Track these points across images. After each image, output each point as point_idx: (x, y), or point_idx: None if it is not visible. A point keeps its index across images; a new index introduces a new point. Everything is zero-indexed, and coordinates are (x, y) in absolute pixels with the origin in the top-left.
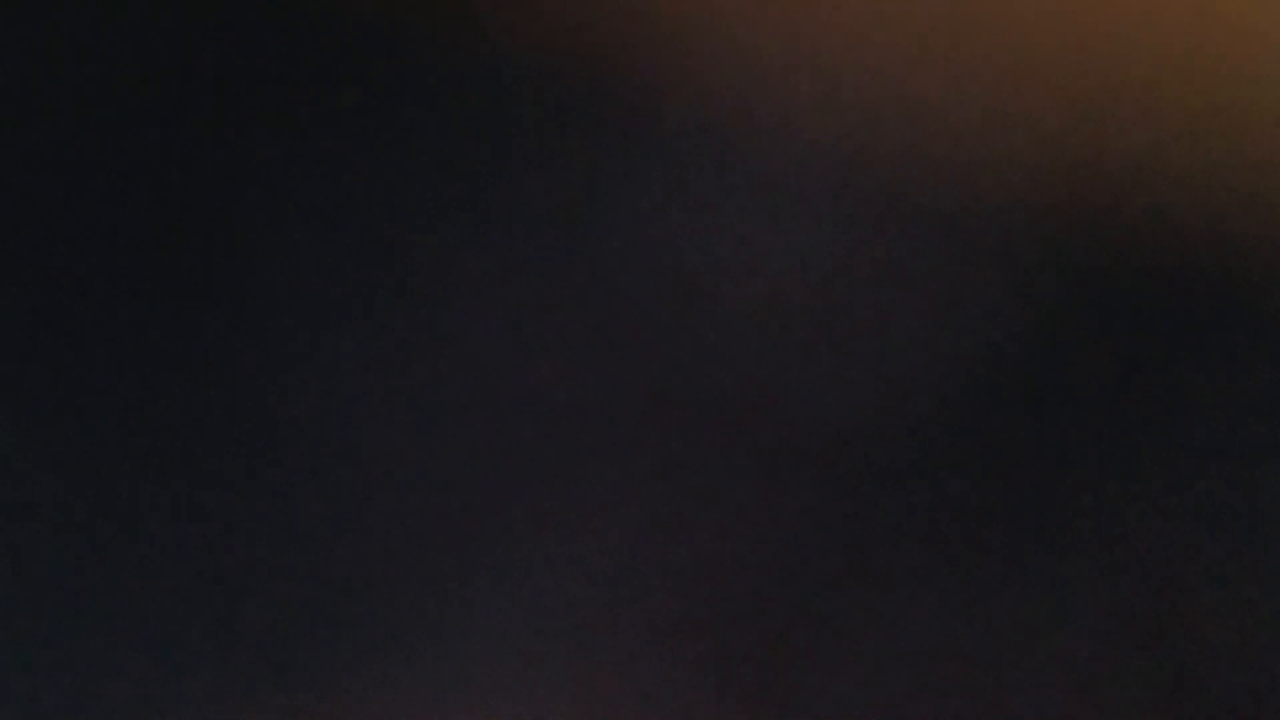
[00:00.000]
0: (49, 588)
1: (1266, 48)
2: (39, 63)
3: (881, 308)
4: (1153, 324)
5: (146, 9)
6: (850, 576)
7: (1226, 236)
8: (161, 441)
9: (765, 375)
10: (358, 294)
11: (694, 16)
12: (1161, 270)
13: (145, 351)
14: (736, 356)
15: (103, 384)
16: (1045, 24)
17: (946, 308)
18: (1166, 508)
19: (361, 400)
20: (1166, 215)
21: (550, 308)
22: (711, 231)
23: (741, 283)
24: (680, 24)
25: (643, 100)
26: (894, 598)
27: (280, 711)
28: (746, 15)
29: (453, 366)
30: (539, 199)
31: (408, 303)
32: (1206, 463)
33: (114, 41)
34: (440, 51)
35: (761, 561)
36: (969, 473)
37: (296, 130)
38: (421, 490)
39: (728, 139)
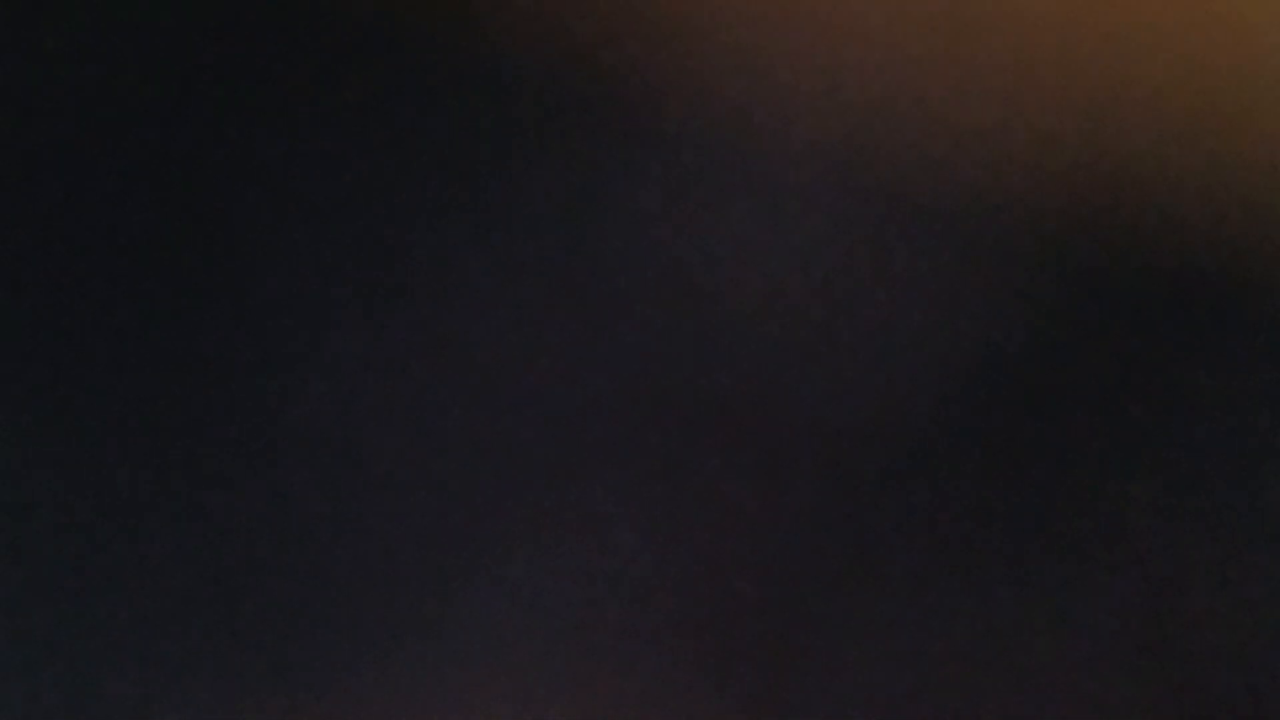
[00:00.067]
0: (49, 588)
1: (1266, 48)
2: (39, 63)
3: (881, 308)
4: (1153, 324)
5: (146, 9)
6: (850, 576)
7: (1226, 236)
8: (161, 441)
9: (765, 375)
10: (358, 294)
11: (694, 16)
12: (1161, 270)
13: (145, 351)
14: (736, 356)
15: (103, 384)
16: (1046, 24)
17: (946, 308)
18: (1166, 508)
19: (361, 400)
20: (1166, 215)
21: (550, 308)
22: (711, 231)
23: (741, 283)
24: (680, 24)
25: (643, 100)
26: (894, 598)
27: (280, 711)
28: (746, 15)
29: (453, 366)
30: (539, 199)
31: (408, 303)
32: (1206, 463)
33: (114, 41)
34: (440, 51)
35: (761, 561)
36: (969, 473)
37: (296, 130)
38: (421, 490)
39: (728, 139)
